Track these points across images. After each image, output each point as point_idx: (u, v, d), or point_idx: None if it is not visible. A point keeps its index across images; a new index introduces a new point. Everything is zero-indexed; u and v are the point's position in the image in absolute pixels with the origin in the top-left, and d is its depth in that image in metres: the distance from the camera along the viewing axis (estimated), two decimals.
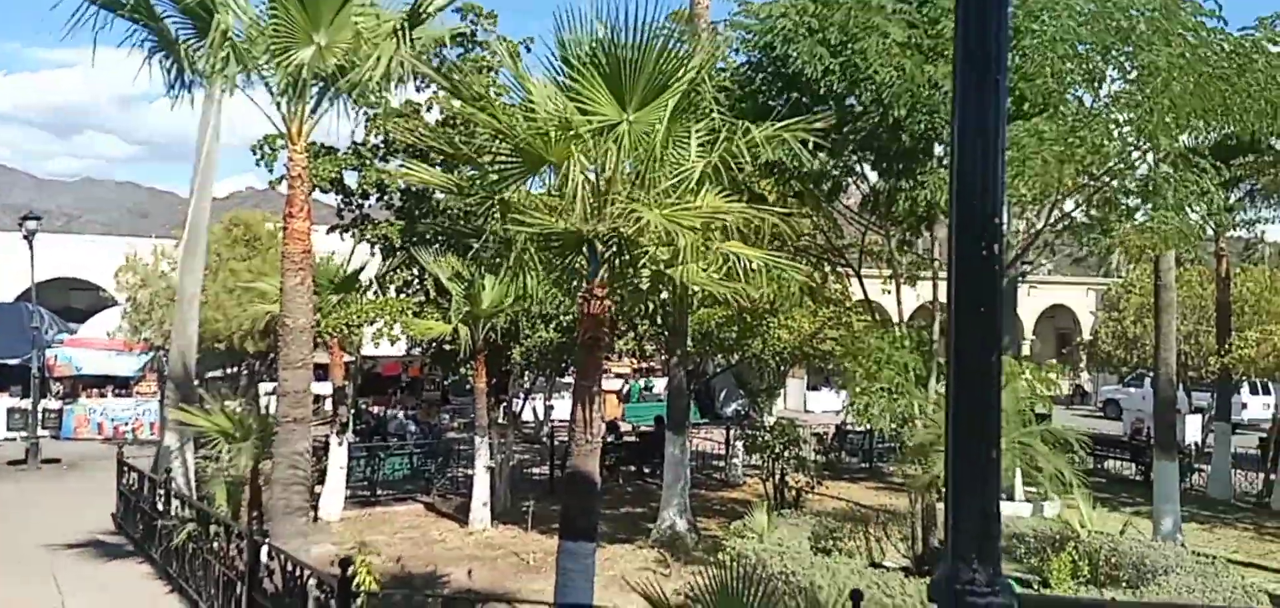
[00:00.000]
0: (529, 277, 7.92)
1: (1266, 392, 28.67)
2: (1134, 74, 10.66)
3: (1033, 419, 10.58)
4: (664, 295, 13.04)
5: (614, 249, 7.11)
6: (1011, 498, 16.86)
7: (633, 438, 21.14)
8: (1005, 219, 13.55)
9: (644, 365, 29.31)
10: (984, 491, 2.66)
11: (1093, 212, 12.54)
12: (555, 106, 7.04)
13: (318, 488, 15.60)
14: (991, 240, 2.71)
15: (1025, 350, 49.87)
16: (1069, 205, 12.36)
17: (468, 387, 15.96)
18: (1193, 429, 23.88)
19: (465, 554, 13.63)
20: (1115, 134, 11.08)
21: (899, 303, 12.71)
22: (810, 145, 11.77)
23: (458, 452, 18.12)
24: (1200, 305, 22.71)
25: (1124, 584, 10.37)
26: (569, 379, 31.98)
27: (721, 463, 21.07)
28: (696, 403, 29.17)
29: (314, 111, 9.39)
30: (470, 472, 15.79)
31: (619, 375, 33.65)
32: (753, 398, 21.58)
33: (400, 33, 7.86)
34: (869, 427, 16.36)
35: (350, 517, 15.69)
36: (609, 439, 20.72)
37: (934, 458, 10.25)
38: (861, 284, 13.79)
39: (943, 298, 15.42)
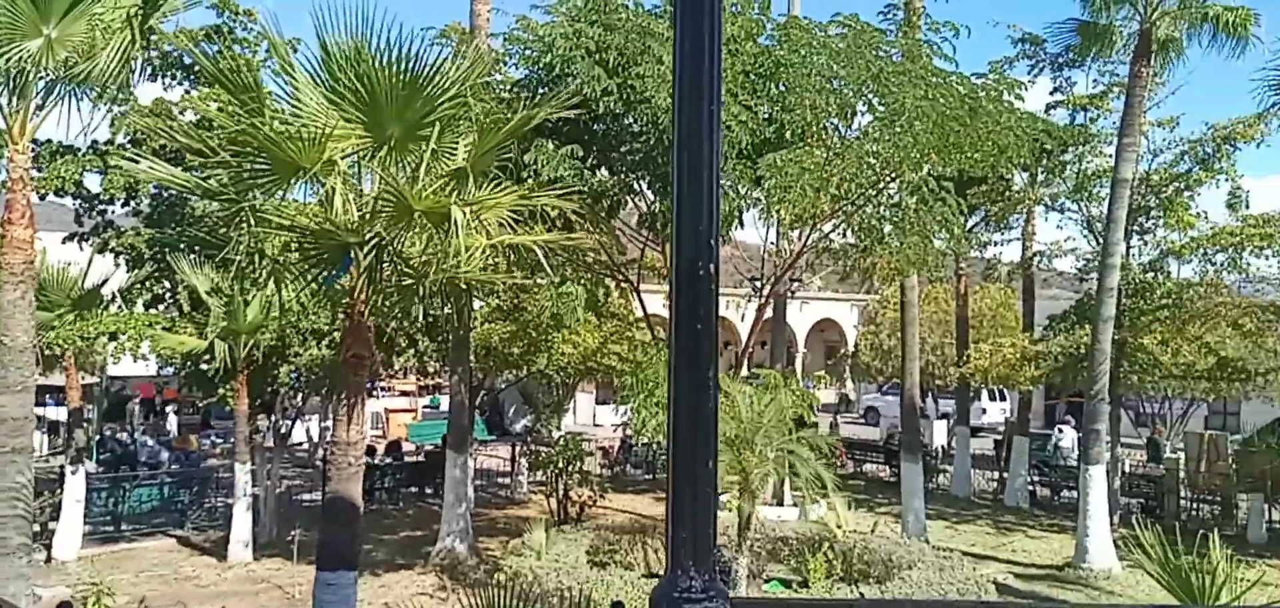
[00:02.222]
0: (286, 288, 7.48)
1: (1002, 398, 31.99)
2: (883, 112, 11.61)
3: (792, 428, 11.23)
4: (447, 309, 12.77)
5: (374, 255, 6.84)
6: (780, 503, 17.87)
7: (417, 458, 20.50)
8: (774, 239, 14.24)
9: (432, 383, 28.58)
10: (701, 501, 2.74)
11: (849, 235, 13.54)
12: (319, 111, 6.75)
13: (52, 524, 14.04)
14: (708, 260, 2.80)
15: (797, 362, 53.05)
16: (828, 228, 13.30)
17: (228, 409, 14.83)
18: (940, 434, 26.23)
19: (221, 591, 12.66)
20: (868, 165, 12.02)
21: None
22: (590, 162, 12.04)
23: (218, 480, 16.83)
24: (946, 320, 25.00)
25: (873, 579, 11.21)
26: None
27: (508, 481, 20.88)
28: (485, 420, 28.81)
29: (41, 108, 8.48)
30: (232, 501, 14.71)
31: (404, 394, 32.63)
32: (539, 414, 21.54)
33: (134, 21, 7.22)
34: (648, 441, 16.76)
35: (90, 555, 14.18)
36: (390, 460, 20.02)
37: None
38: (640, 300, 14.16)
39: (723, 314, 16.16)
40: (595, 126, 12.20)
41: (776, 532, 12.91)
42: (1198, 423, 29.79)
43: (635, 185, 12.79)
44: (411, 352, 16.24)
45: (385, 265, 7.30)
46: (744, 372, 14.14)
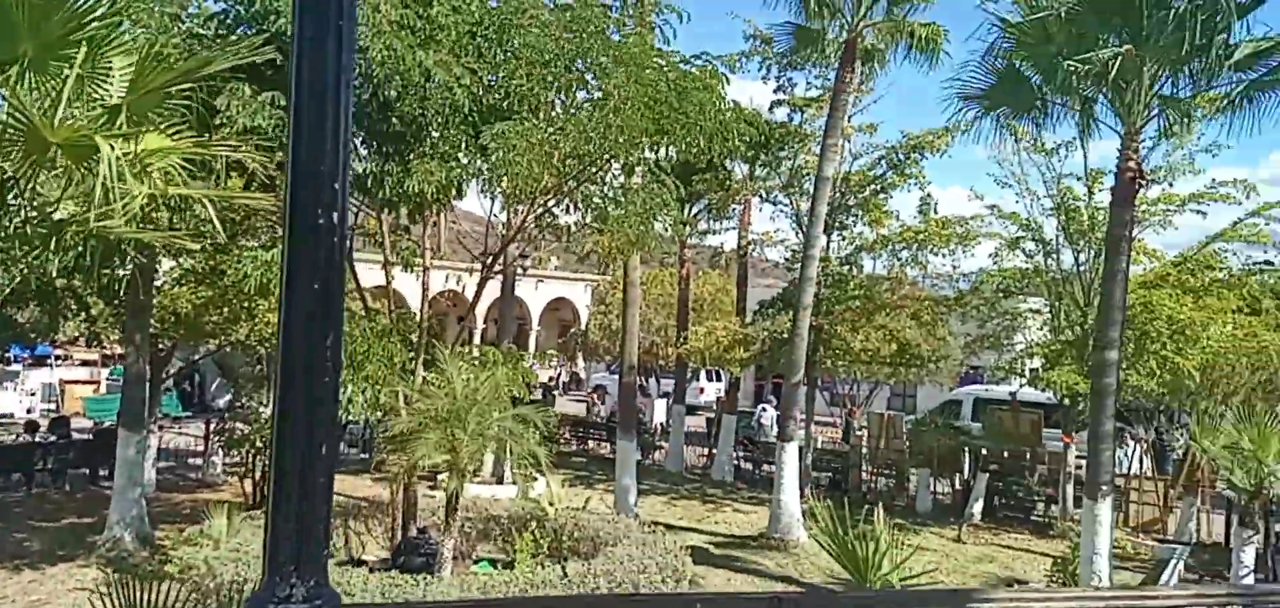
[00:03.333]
0: None
1: (720, 378, 33.77)
2: (598, 92, 11.58)
3: (509, 405, 10.97)
4: (122, 271, 11.20)
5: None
6: (501, 481, 17.64)
7: (87, 436, 18.07)
8: (499, 212, 13.68)
9: (120, 352, 25.43)
10: (311, 495, 2.32)
11: (572, 212, 13.46)
12: None
13: None
14: (331, 207, 2.37)
15: (531, 340, 53.11)
16: (552, 203, 13.13)
17: None
18: (660, 412, 27.19)
19: None
20: (588, 141, 11.96)
21: (425, 288, 12.42)
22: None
23: None
24: (671, 302, 25.91)
25: (583, 556, 11.24)
26: (14, 367, 26.56)
27: (201, 462, 18.99)
28: (180, 395, 26.09)
29: None
30: None
31: (86, 363, 28.89)
32: (241, 388, 19.77)
33: None
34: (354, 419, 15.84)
35: None
36: (54, 438, 17.48)
37: (413, 446, 10.14)
38: (352, 268, 13.24)
39: (444, 287, 15.47)
40: None
41: (489, 511, 12.63)
42: (882, 404, 33.25)
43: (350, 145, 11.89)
44: (82, 316, 14.21)
45: (13, 209, 6.13)
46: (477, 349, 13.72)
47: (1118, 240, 11.12)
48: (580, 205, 13.13)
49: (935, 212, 19.56)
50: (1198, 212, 14.78)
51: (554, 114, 12.12)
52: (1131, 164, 10.99)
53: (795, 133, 19.43)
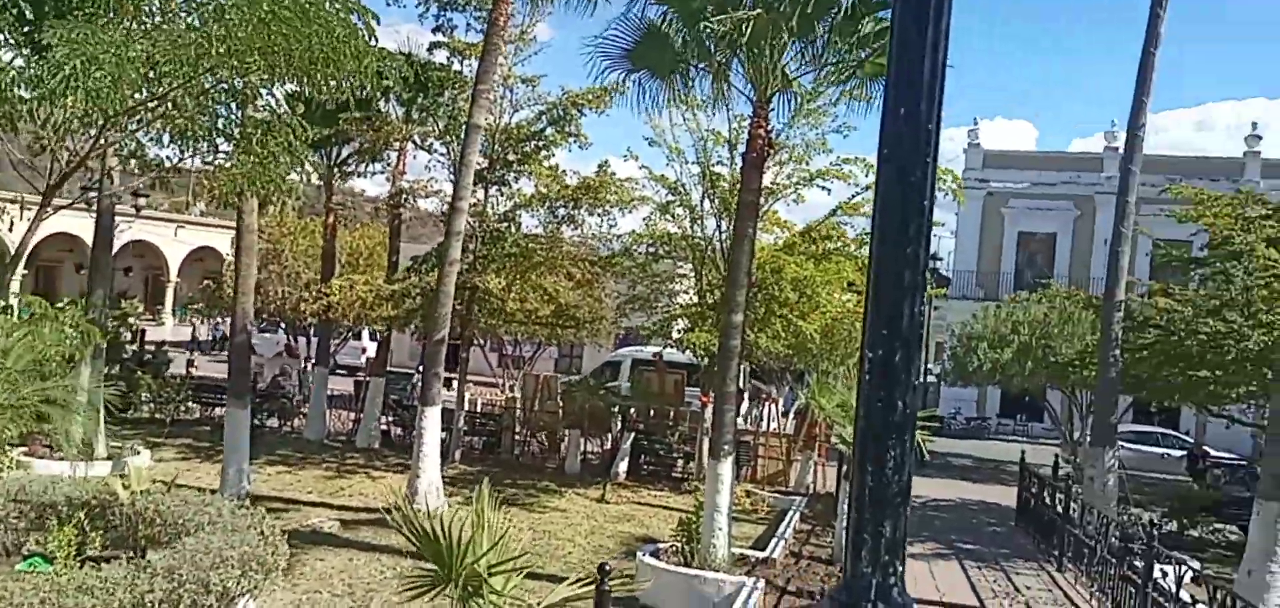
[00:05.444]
0: None
1: (373, 338, 31.41)
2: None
3: (59, 371, 8.95)
4: None
5: None
6: (93, 457, 14.94)
7: None
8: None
9: None
10: None
11: (169, 144, 11.40)
12: None
13: None
14: None
15: (168, 293, 47.39)
16: (137, 128, 10.98)
17: None
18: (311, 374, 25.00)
19: None
20: (186, 53, 10.05)
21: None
22: None
23: None
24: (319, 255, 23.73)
25: (162, 544, 9.55)
26: None
27: None
28: None
29: None
30: None
31: None
32: None
33: None
34: None
35: None
36: None
37: None
38: None
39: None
40: None
41: (44, 497, 10.37)
42: (550, 365, 33.31)
43: None
44: None
45: None
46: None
47: (747, 206, 11.32)
48: (176, 135, 11.14)
49: (611, 169, 19.39)
50: (823, 188, 15.81)
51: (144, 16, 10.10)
52: (761, 133, 11.20)
53: (454, 77, 18.32)
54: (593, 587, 6.08)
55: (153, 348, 23.48)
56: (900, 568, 2.10)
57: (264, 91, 11.76)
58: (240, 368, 12.96)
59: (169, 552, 8.51)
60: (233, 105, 11.36)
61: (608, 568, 5.62)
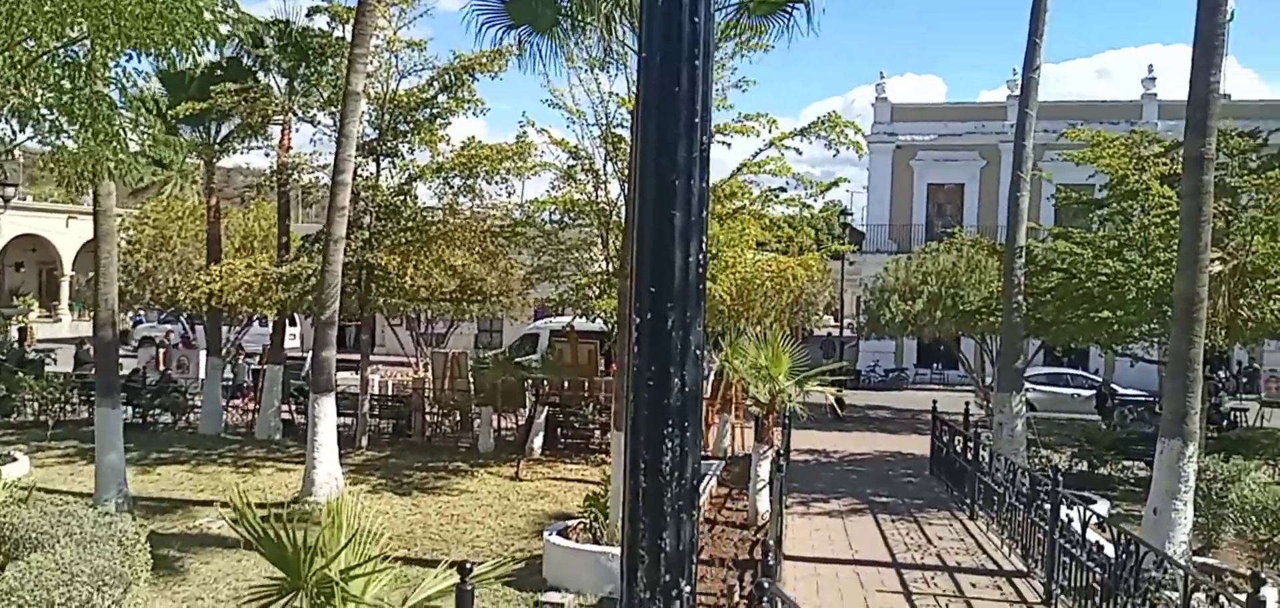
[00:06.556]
0: None
1: (292, 325, 30.20)
2: None
3: None
4: None
5: None
6: None
7: None
8: None
9: None
10: None
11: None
12: None
13: None
14: None
15: (63, 287, 44.90)
16: None
17: None
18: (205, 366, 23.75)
19: None
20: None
21: None
22: None
23: None
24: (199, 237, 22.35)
25: (17, 560, 8.70)
26: None
27: None
28: None
29: None
30: None
31: None
32: None
33: None
34: None
35: None
36: None
37: None
38: None
39: None
40: None
41: None
42: (469, 341, 32.48)
43: None
44: None
45: None
46: None
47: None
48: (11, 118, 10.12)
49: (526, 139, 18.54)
50: (724, 143, 15.40)
51: None
52: None
53: (337, 45, 17.33)
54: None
55: (42, 348, 22.05)
56: (686, 589, 1.64)
57: (113, 64, 10.75)
58: (107, 363, 12.00)
59: (14, 570, 7.75)
60: (76, 78, 10.36)
61: (468, 567, 5.10)
